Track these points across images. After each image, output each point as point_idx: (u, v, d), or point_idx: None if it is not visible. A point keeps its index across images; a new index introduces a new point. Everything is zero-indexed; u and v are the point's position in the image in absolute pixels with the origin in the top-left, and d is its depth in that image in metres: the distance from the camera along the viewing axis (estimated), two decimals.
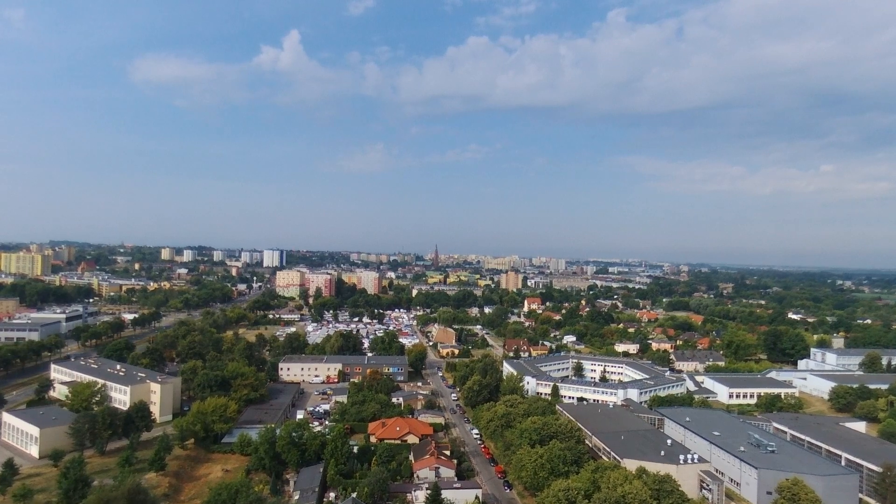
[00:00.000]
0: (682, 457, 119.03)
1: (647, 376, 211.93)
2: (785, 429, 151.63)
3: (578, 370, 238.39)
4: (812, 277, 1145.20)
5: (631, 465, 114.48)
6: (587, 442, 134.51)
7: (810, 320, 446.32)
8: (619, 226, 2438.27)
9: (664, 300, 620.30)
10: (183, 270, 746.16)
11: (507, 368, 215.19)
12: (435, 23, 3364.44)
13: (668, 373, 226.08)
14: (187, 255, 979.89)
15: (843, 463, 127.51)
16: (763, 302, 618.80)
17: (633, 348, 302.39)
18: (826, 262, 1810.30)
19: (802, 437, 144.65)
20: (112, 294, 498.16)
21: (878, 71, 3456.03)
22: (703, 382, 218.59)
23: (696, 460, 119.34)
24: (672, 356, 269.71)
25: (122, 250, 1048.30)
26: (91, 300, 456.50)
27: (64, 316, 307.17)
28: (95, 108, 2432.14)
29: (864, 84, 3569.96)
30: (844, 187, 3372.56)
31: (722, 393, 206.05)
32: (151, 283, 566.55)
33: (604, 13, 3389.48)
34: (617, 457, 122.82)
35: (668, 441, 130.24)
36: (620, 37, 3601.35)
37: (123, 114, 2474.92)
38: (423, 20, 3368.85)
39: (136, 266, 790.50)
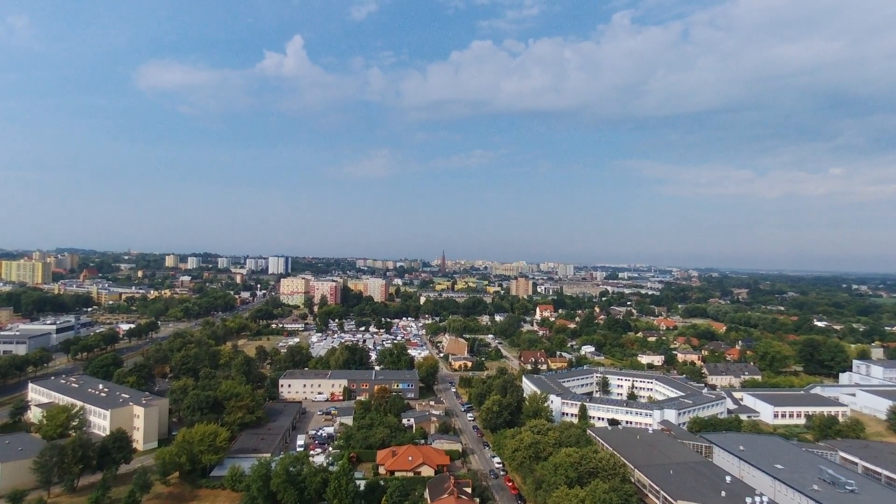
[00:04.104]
0: (748, 499, 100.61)
1: (683, 393, 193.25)
2: (855, 459, 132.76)
3: (604, 386, 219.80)
4: (826, 282, 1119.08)
5: None
6: (630, 478, 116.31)
7: (836, 328, 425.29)
8: (626, 230, 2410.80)
9: (679, 307, 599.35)
10: (186, 278, 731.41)
11: (528, 385, 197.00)
12: (438, 27, 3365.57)
13: (704, 389, 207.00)
14: (192, 263, 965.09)
15: None
16: (782, 308, 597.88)
17: (657, 360, 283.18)
18: (836, 266, 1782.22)
19: (878, 469, 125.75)
20: (111, 303, 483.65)
21: (886, 72, 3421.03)
22: (742, 400, 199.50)
23: (765, 503, 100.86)
24: (704, 370, 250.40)
25: (126, 258, 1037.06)
26: (89, 309, 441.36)
27: (54, 327, 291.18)
28: (101, 115, 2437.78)
29: (871, 85, 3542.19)
30: (854, 190, 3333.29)
31: (765, 412, 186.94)
32: (153, 291, 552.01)
33: (608, 15, 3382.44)
34: (669, 498, 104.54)
35: (727, 478, 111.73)
36: (625, 39, 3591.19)
37: (129, 120, 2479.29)
38: (426, 24, 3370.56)
39: (140, 274, 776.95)
